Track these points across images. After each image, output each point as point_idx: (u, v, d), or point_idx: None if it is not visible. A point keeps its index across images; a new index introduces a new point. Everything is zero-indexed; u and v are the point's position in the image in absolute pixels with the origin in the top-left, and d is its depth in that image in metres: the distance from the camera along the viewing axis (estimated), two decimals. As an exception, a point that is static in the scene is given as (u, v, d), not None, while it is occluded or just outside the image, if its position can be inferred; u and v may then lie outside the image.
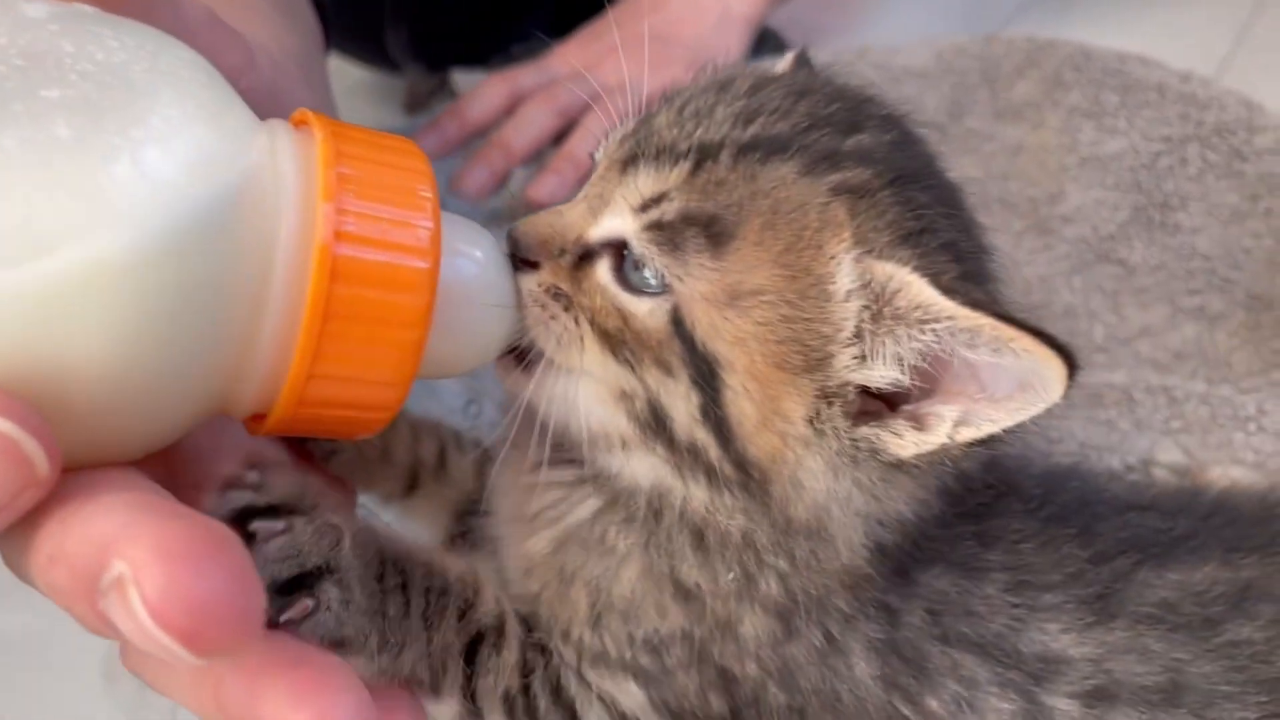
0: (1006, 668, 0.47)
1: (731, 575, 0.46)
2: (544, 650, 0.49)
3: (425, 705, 0.47)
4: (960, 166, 0.51)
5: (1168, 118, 0.98)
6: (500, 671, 0.47)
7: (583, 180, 0.94)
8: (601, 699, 0.49)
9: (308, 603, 0.38)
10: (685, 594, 0.47)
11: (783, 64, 0.56)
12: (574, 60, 1.02)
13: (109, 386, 0.31)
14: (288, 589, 0.38)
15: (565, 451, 0.48)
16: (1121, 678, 0.46)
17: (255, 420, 0.40)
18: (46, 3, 0.33)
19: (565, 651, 0.49)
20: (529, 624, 0.50)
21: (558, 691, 0.49)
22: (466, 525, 0.60)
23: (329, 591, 0.39)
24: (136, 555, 0.26)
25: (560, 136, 0.96)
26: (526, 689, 0.48)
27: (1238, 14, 1.23)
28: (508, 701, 0.48)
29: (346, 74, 1.23)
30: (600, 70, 1.00)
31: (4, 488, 0.28)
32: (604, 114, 0.95)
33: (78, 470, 0.31)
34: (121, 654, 0.37)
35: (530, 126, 0.95)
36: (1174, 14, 1.22)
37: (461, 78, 1.11)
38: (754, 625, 0.46)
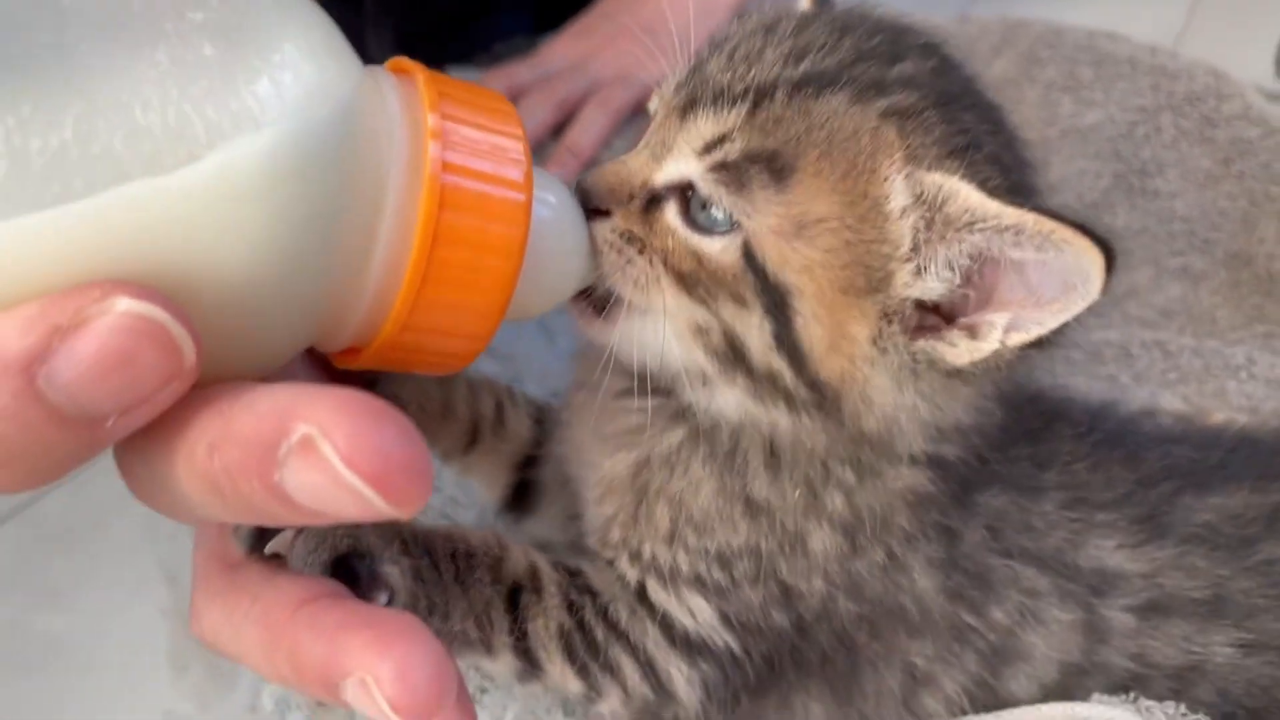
0: (1066, 580, 0.50)
1: (798, 493, 0.49)
2: (589, 591, 0.52)
3: (484, 666, 0.50)
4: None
5: (1140, 89, 1.02)
6: (547, 612, 0.50)
7: (588, 164, 0.95)
8: (666, 619, 0.51)
9: (384, 596, 0.43)
10: (756, 509, 0.49)
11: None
12: (567, 55, 1.04)
13: (238, 295, 0.32)
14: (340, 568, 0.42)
15: (651, 382, 0.49)
16: (1173, 592, 0.50)
17: (349, 354, 0.41)
18: None
19: (629, 572, 0.52)
20: (570, 570, 0.52)
21: (610, 624, 0.51)
22: (527, 477, 0.62)
23: (392, 575, 0.44)
24: (321, 416, 0.27)
25: (559, 129, 0.98)
26: (581, 623, 0.51)
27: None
28: (563, 637, 0.50)
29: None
30: (595, 63, 1.02)
31: (156, 374, 0.28)
32: (602, 106, 0.98)
33: (206, 384, 0.31)
34: (192, 619, 0.37)
35: (529, 119, 0.96)
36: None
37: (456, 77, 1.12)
38: (822, 541, 0.49)
